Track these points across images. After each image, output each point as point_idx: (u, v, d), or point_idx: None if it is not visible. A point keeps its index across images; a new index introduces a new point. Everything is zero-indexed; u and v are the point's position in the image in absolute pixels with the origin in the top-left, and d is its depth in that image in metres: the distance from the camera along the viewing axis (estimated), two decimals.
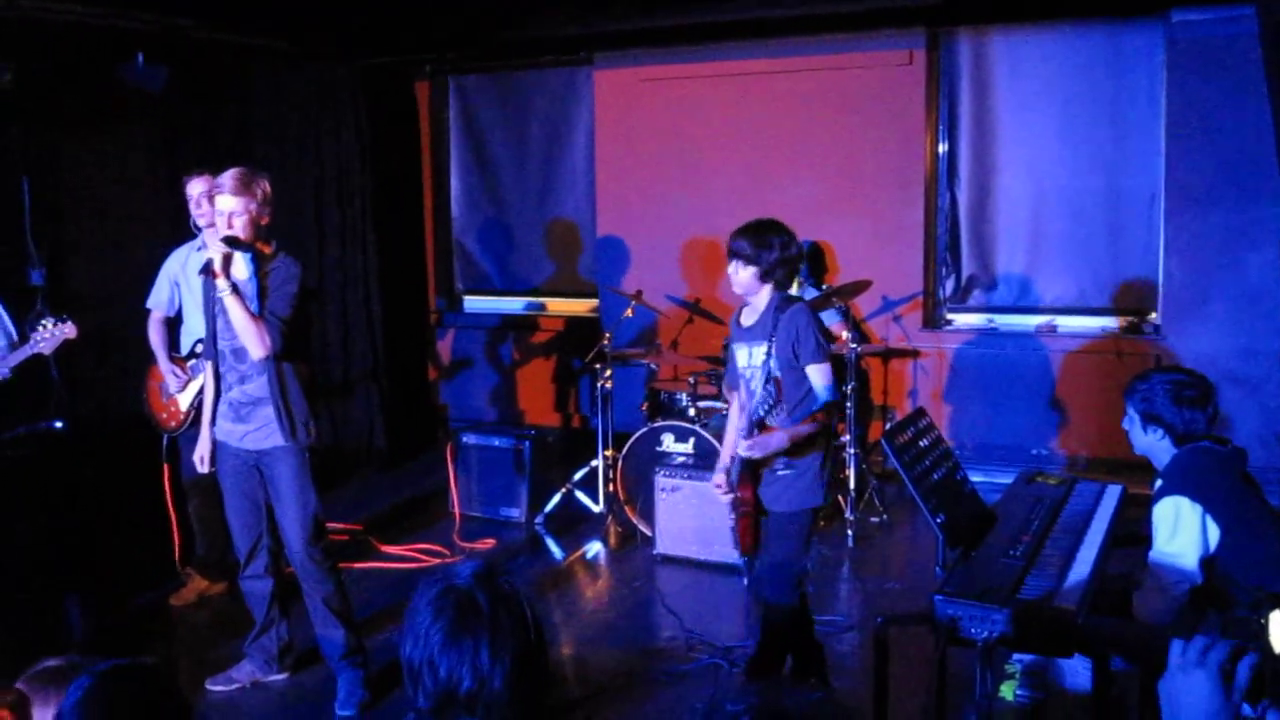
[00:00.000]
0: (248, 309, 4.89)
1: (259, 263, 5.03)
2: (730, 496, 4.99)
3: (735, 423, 5.13)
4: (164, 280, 6.39)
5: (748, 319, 5.06)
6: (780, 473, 4.87)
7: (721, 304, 8.53)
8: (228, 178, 4.95)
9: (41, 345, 5.87)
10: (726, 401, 7.43)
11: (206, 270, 4.93)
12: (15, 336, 6.19)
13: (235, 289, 4.87)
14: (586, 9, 8.38)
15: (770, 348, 4.86)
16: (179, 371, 6.32)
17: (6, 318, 6.26)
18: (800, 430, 4.78)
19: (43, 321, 5.93)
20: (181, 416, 6.34)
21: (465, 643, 2.23)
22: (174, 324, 6.45)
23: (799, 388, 4.87)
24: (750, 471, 4.89)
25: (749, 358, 5.00)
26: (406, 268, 10.30)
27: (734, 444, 5.02)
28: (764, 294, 4.97)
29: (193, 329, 6.33)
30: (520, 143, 10.49)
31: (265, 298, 4.98)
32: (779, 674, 5.16)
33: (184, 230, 6.41)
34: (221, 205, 4.95)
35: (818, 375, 4.85)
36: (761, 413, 4.72)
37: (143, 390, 6.53)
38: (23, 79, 6.93)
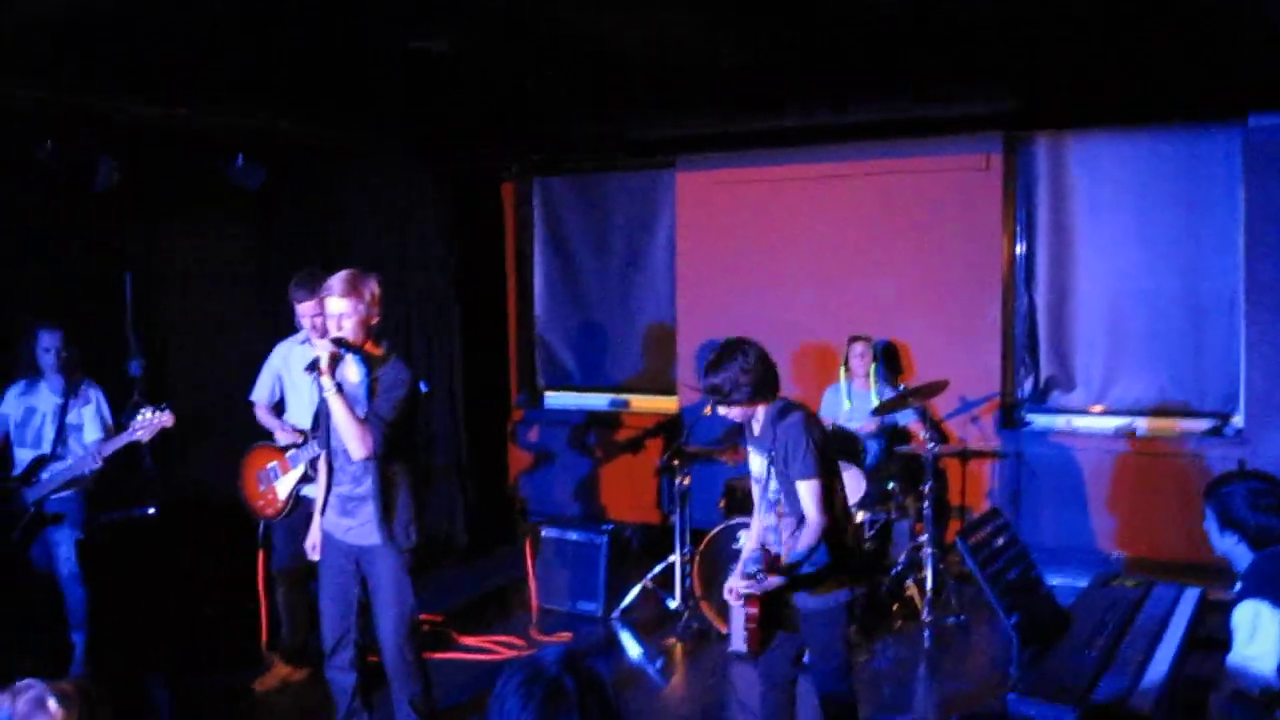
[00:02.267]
0: (351, 410, 5.00)
1: (370, 365, 5.15)
2: (739, 603, 4.91)
3: (756, 528, 5.16)
4: (267, 374, 6.63)
5: (755, 425, 4.98)
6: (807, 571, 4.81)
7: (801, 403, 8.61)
8: (337, 281, 5.08)
9: (139, 433, 6.13)
10: None
11: (313, 367, 5.04)
12: (111, 423, 6.45)
13: (340, 389, 4.99)
14: (668, 113, 8.59)
15: (772, 461, 4.83)
16: (296, 433, 6.47)
17: (105, 407, 6.52)
18: (799, 568, 4.72)
19: (142, 410, 6.18)
20: (279, 505, 6.47)
21: None
22: (276, 412, 6.68)
23: (799, 500, 4.79)
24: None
25: (758, 465, 4.99)
26: (489, 363, 10.52)
27: (752, 549, 5.01)
28: (759, 410, 4.90)
29: (294, 420, 6.55)
30: (603, 242, 10.70)
31: (372, 397, 5.10)
32: None
33: (280, 324, 6.63)
34: (332, 308, 5.07)
35: (806, 492, 4.73)
36: (750, 571, 4.64)
37: (238, 478, 6.69)
38: (129, 176, 7.24)
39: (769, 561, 4.75)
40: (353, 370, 5.13)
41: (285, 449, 6.46)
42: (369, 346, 5.18)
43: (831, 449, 5.02)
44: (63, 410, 6.44)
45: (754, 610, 4.82)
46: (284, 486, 6.46)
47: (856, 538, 5.11)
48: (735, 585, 4.77)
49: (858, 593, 5.04)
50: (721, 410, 4.91)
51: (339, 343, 5.05)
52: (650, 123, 8.93)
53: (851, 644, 5.11)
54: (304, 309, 6.34)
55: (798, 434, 4.77)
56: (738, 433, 8.89)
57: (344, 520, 5.28)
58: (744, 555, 5.24)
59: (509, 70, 7.01)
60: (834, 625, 4.92)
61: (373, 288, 5.16)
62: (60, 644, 6.45)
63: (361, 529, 5.23)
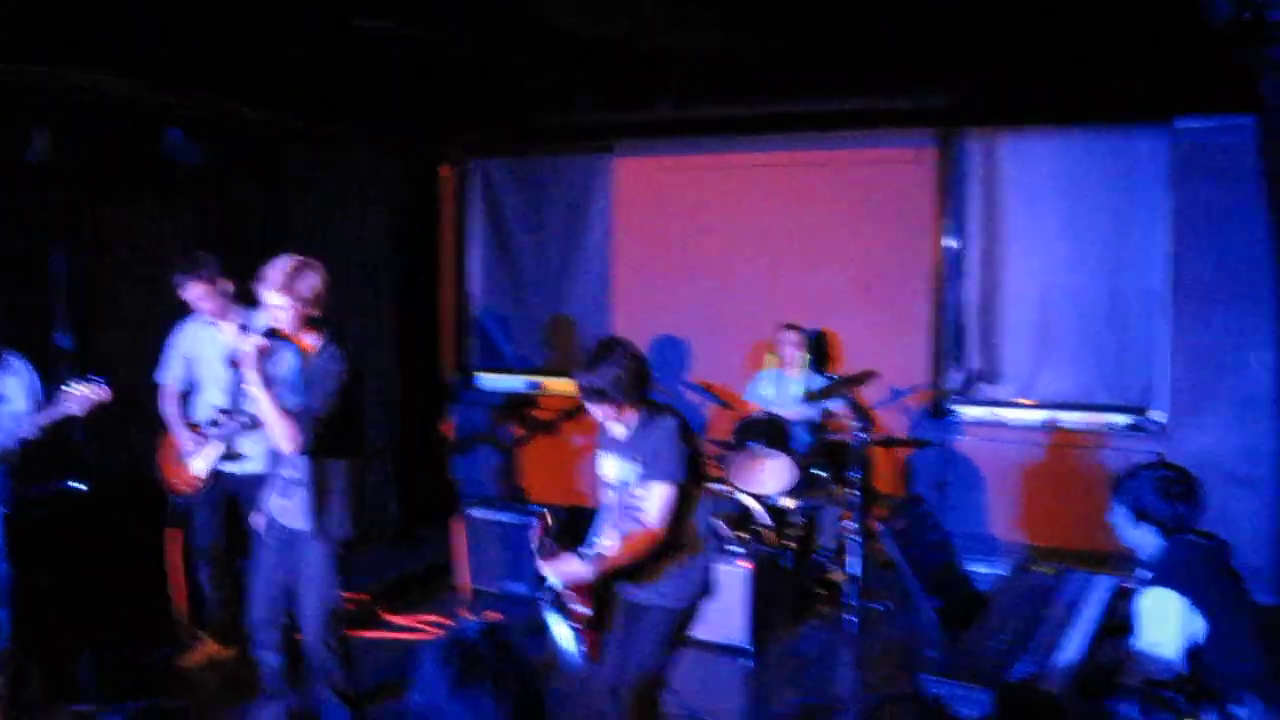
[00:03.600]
0: (276, 405, 4.93)
1: (303, 356, 5.13)
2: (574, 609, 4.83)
3: (601, 534, 4.97)
4: (174, 357, 6.56)
5: (618, 430, 4.78)
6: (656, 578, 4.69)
7: (733, 390, 8.73)
8: (276, 272, 4.98)
9: (70, 405, 5.97)
10: (733, 486, 7.60)
11: (234, 364, 4.98)
12: (42, 397, 6.29)
13: (268, 382, 4.93)
14: (608, 99, 8.63)
15: (637, 466, 4.65)
16: (198, 438, 6.45)
17: (33, 376, 6.38)
18: (614, 561, 4.60)
19: (73, 382, 6.03)
20: (197, 483, 6.46)
21: (470, 690, 2.37)
22: (186, 395, 6.62)
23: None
24: (593, 586, 4.74)
25: (619, 471, 4.76)
26: (423, 343, 10.51)
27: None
28: (627, 413, 4.70)
29: (209, 400, 6.50)
30: (540, 225, 10.72)
31: (307, 391, 5.04)
32: None
33: None
34: (268, 299, 4.99)
35: (656, 495, 4.54)
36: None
37: (157, 453, 6.65)
38: (60, 148, 7.15)
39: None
40: (285, 360, 5.10)
41: (202, 424, 6.43)
42: (304, 340, 5.12)
43: (703, 461, 4.89)
44: None
45: (587, 611, 4.77)
46: (201, 463, 6.42)
47: (706, 571, 4.84)
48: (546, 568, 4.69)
49: (687, 609, 4.82)
50: (593, 409, 4.69)
51: (272, 334, 4.99)
52: (589, 107, 8.97)
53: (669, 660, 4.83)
54: (191, 293, 6.25)
55: (670, 437, 4.60)
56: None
57: (281, 500, 5.28)
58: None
59: (449, 51, 7.03)
60: (658, 630, 4.76)
61: (314, 283, 5.05)
62: None
63: (294, 512, 5.22)
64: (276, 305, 4.98)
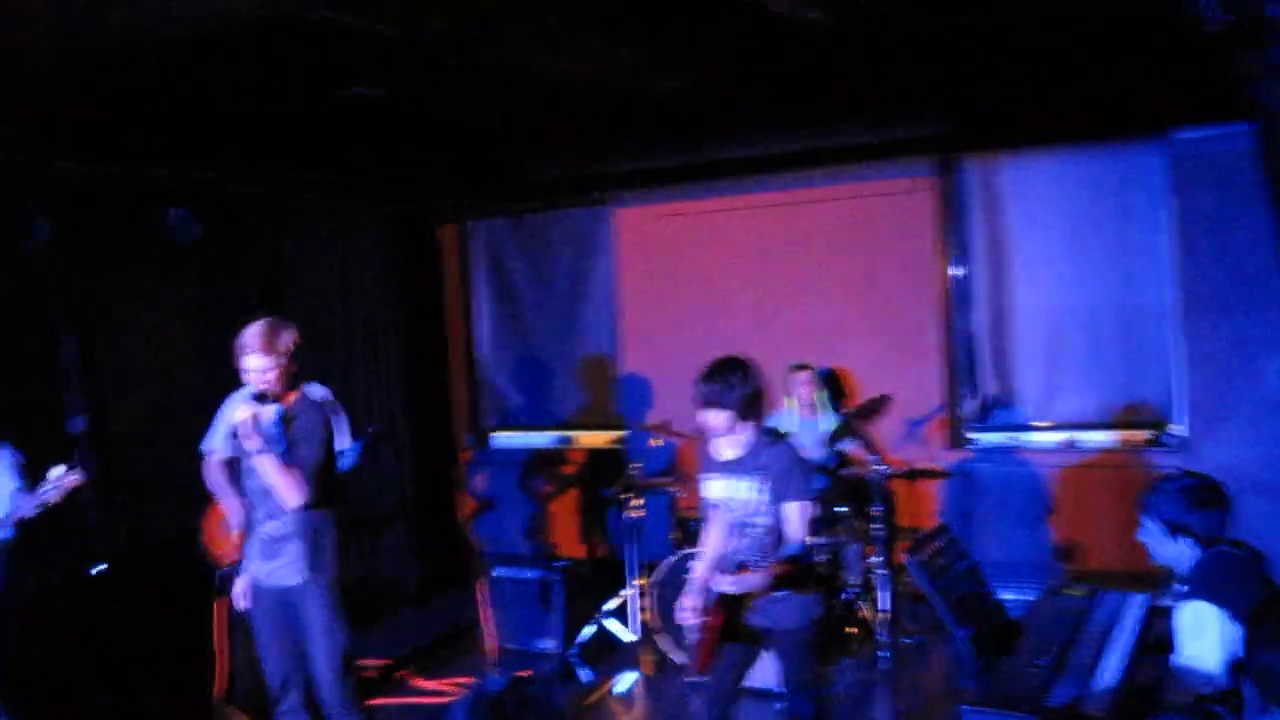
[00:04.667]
0: (278, 464, 5.04)
1: (286, 410, 5.21)
2: (697, 621, 5.01)
3: (710, 549, 5.21)
4: (221, 424, 6.54)
5: (726, 452, 5.09)
6: (778, 595, 4.89)
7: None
8: (252, 337, 5.13)
9: (49, 494, 5.89)
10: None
11: (236, 435, 5.09)
12: (22, 484, 6.18)
13: (268, 450, 5.02)
14: (603, 150, 8.65)
15: (760, 482, 4.91)
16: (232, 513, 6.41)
17: (13, 471, 6.24)
18: (777, 570, 4.76)
19: (51, 469, 5.96)
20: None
21: None
22: (234, 464, 6.58)
23: (778, 520, 4.92)
24: (724, 601, 4.90)
25: (728, 490, 5.04)
26: (435, 406, 10.49)
27: (709, 570, 5.09)
28: (742, 430, 5.01)
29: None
30: (544, 281, 10.73)
31: (294, 445, 5.13)
32: None
33: (224, 371, 6.57)
34: (250, 364, 5.12)
35: (796, 514, 4.87)
36: (746, 558, 4.75)
37: (199, 526, 6.62)
38: (60, 232, 7.17)
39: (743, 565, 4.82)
40: (266, 415, 5.14)
41: None
42: (286, 396, 5.24)
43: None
44: None
45: (718, 622, 4.91)
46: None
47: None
48: (719, 583, 4.81)
49: (823, 609, 5.15)
50: (708, 416, 4.98)
51: (261, 396, 5.09)
52: (586, 160, 9.00)
53: (819, 661, 5.19)
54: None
55: (794, 458, 4.98)
56: (681, 465, 8.95)
57: (267, 564, 5.28)
58: (695, 582, 5.27)
59: (442, 112, 7.05)
60: (805, 647, 5.04)
61: (287, 339, 5.21)
62: None
63: (286, 569, 5.23)
64: (262, 367, 5.11)
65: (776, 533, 4.90)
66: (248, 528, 5.37)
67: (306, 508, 5.14)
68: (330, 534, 5.26)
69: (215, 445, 6.55)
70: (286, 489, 5.03)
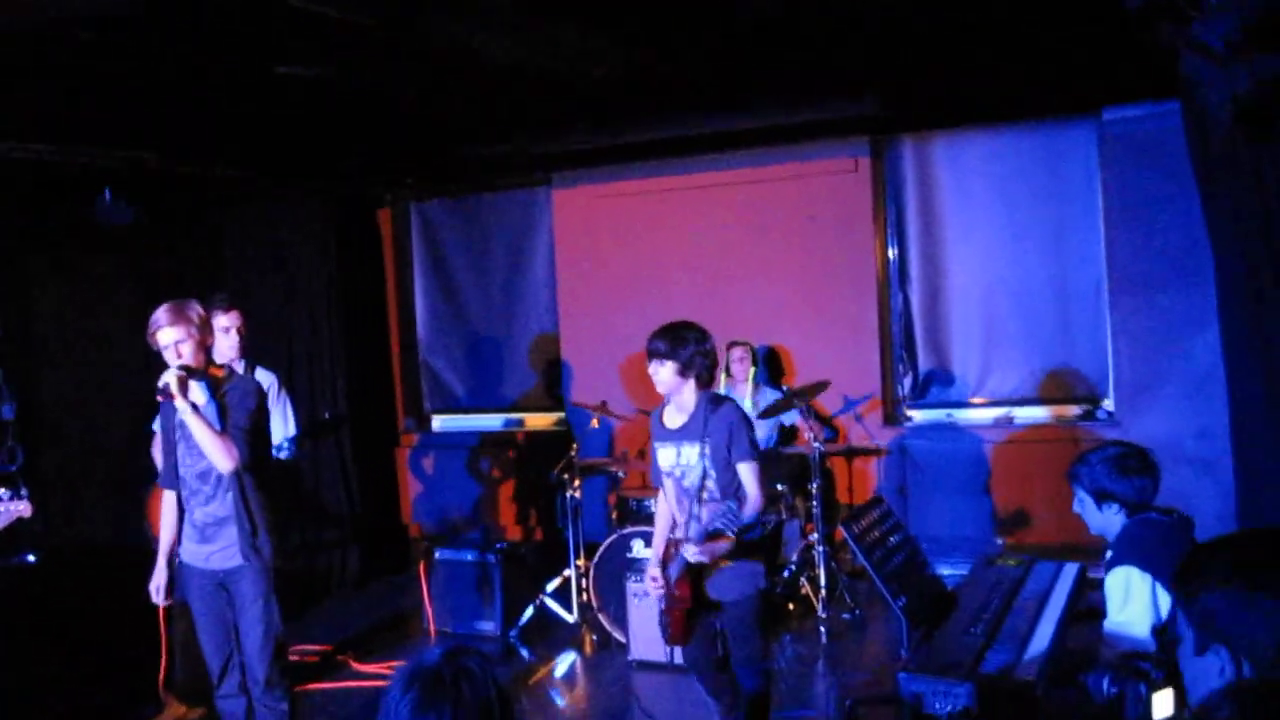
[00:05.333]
0: (210, 425, 4.99)
1: (213, 386, 5.16)
2: (663, 591, 5.12)
3: (664, 518, 5.34)
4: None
5: (674, 419, 5.18)
6: (725, 565, 4.99)
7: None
8: (162, 312, 5.09)
9: None
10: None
11: (164, 394, 4.98)
12: None
13: (195, 409, 4.96)
14: (542, 131, 8.62)
15: (704, 447, 4.99)
16: None
17: None
18: (735, 538, 4.87)
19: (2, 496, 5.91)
20: None
21: (429, 715, 2.34)
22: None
23: (730, 483, 5.02)
24: (690, 571, 4.99)
25: (678, 457, 5.13)
26: (375, 389, 10.45)
27: (664, 540, 5.26)
28: (688, 392, 5.10)
29: (163, 458, 6.40)
30: (483, 263, 10.70)
31: (226, 415, 5.10)
32: None
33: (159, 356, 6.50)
34: (164, 339, 5.07)
35: (749, 473, 4.98)
36: (719, 525, 4.78)
37: (145, 512, 6.54)
38: None
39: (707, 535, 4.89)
40: (197, 393, 5.10)
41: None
42: (211, 370, 5.23)
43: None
44: None
45: (685, 592, 4.99)
46: None
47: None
48: (687, 553, 4.87)
49: (768, 581, 5.26)
50: (655, 369, 5.06)
51: (185, 370, 5.03)
52: (524, 141, 8.96)
53: (766, 633, 5.28)
54: (222, 320, 6.21)
55: (739, 420, 5.03)
56: (621, 445, 8.97)
57: (204, 547, 5.24)
58: (655, 551, 5.32)
59: (377, 92, 7.00)
60: (753, 617, 5.09)
61: (198, 310, 5.16)
62: None
63: (223, 552, 5.20)
64: (177, 340, 5.06)
65: (733, 496, 4.97)
66: (180, 516, 5.31)
67: (237, 484, 5.10)
68: (266, 518, 5.22)
69: (157, 425, 6.48)
70: (217, 450, 4.96)
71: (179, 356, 5.05)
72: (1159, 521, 4.08)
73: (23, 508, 5.72)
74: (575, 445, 7.89)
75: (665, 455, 5.19)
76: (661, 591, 5.12)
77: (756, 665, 5.13)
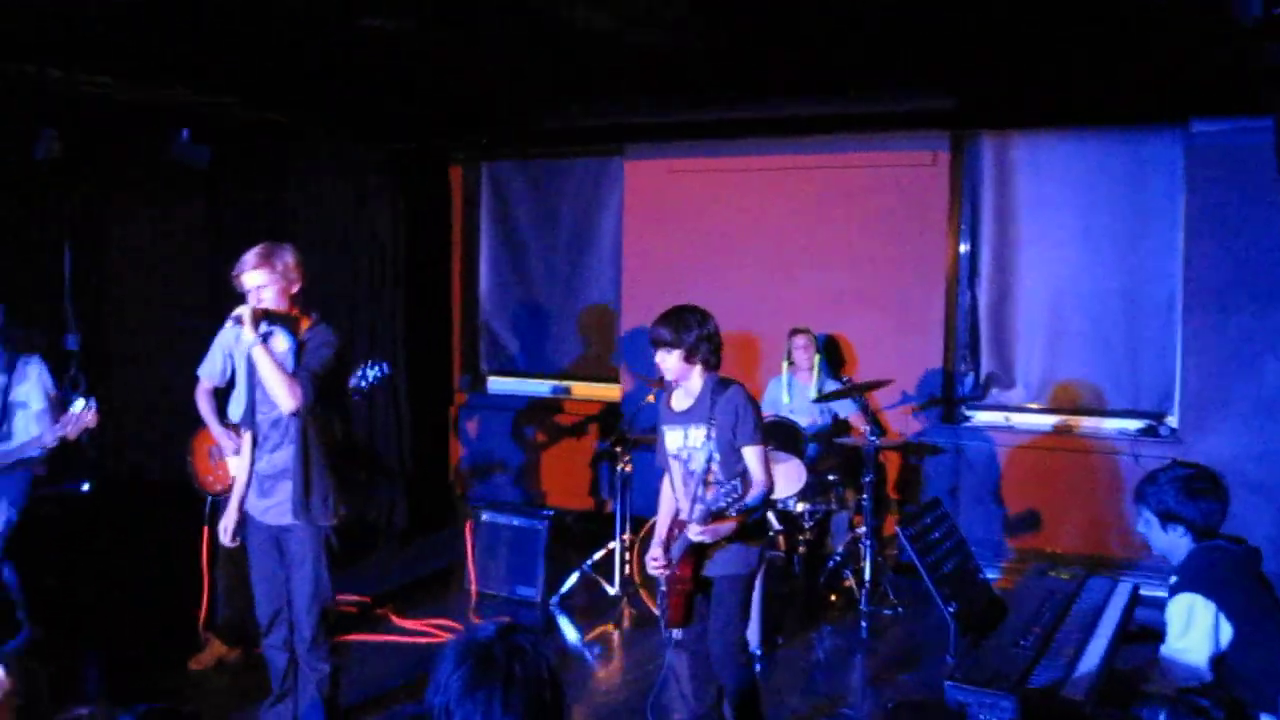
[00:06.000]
0: (278, 363, 4.97)
1: (295, 333, 5.15)
2: (666, 573, 5.10)
3: (668, 501, 5.31)
4: (217, 350, 6.45)
5: (680, 402, 5.15)
6: (724, 545, 4.97)
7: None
8: (250, 255, 5.10)
9: (67, 429, 5.96)
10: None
11: (236, 320, 4.98)
12: (55, 390, 6.26)
13: (265, 340, 4.96)
14: (617, 102, 8.57)
15: (710, 430, 4.96)
16: (234, 437, 6.37)
17: (48, 380, 6.35)
18: (741, 520, 4.89)
19: (73, 405, 6.02)
20: (230, 480, 6.37)
21: (480, 693, 2.33)
22: (222, 394, 6.52)
23: (736, 466, 4.97)
24: (692, 551, 4.98)
25: (684, 439, 5.10)
26: (433, 347, 10.47)
27: (669, 521, 5.23)
28: (695, 376, 5.07)
29: (243, 397, 6.43)
30: (550, 229, 10.67)
31: (300, 360, 5.09)
32: None
33: (225, 299, 6.51)
34: (249, 281, 5.08)
35: (754, 457, 4.97)
36: (723, 505, 4.74)
37: (187, 453, 6.61)
38: (73, 149, 7.12)
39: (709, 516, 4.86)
40: (280, 340, 5.11)
41: (239, 425, 6.36)
42: (298, 315, 5.19)
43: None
44: (5, 389, 6.31)
45: (686, 573, 4.99)
46: (234, 463, 6.35)
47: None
48: (690, 533, 4.87)
49: (762, 564, 5.23)
50: (660, 357, 5.03)
51: (264, 314, 5.03)
52: (600, 110, 8.91)
53: (745, 619, 5.19)
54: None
55: (745, 403, 4.98)
56: None
57: (262, 501, 5.27)
58: (659, 532, 5.30)
59: (460, 52, 6.97)
60: (738, 597, 5.04)
61: (287, 258, 5.14)
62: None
63: (278, 508, 5.21)
64: (260, 284, 5.07)
65: (738, 479, 4.91)
66: (251, 461, 5.31)
67: (300, 439, 5.09)
68: (324, 475, 5.18)
69: (210, 372, 6.51)
70: (281, 387, 4.94)
71: (259, 301, 5.06)
72: (1228, 550, 4.01)
73: (90, 418, 5.88)
74: (628, 418, 7.89)
75: (672, 438, 5.17)
76: (664, 572, 5.12)
77: (732, 653, 5.04)
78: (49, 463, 6.48)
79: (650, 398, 7.85)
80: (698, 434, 5.02)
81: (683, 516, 5.14)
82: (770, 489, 5.02)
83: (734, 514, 4.80)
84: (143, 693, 6.16)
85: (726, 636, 5.04)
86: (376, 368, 5.59)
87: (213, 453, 6.50)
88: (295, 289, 5.17)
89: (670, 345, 4.99)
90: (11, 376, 6.19)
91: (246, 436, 5.39)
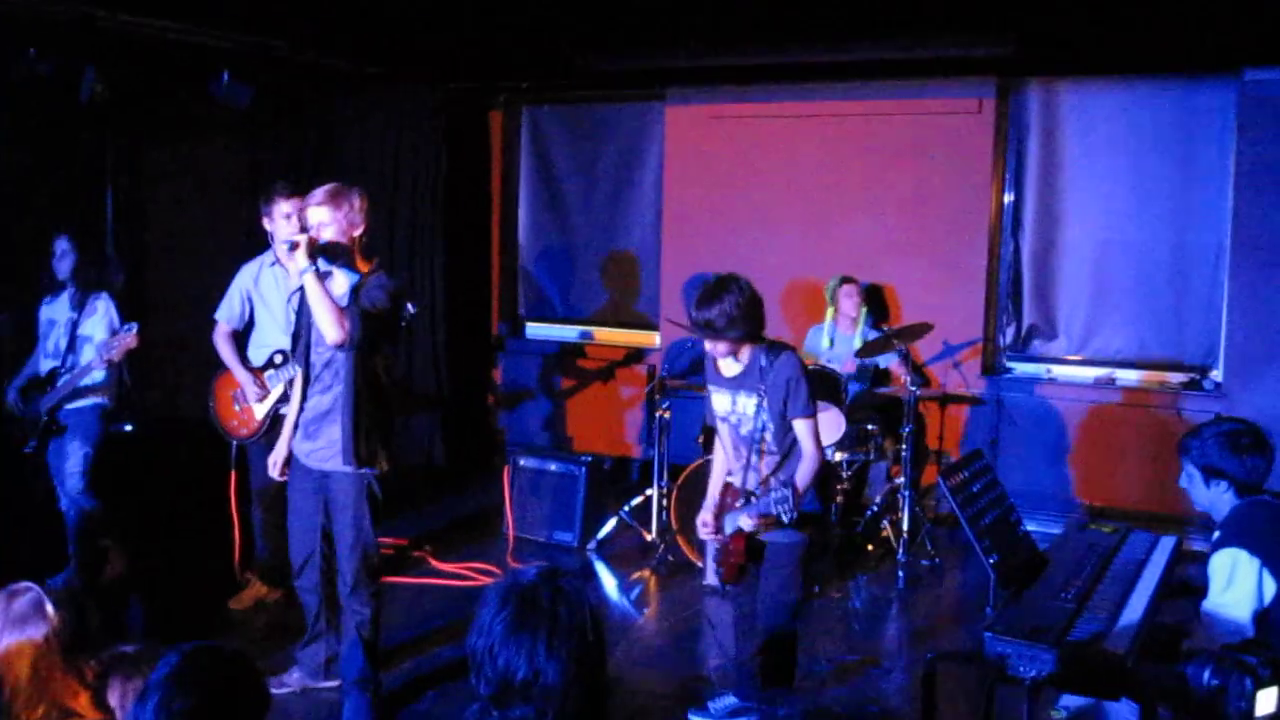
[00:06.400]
0: (327, 292, 4.89)
1: (355, 271, 5.08)
2: (717, 538, 5.11)
3: (721, 463, 5.29)
4: (235, 293, 6.47)
5: (729, 368, 5.07)
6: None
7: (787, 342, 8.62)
8: (320, 191, 5.04)
9: (113, 350, 6.13)
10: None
11: (291, 246, 4.88)
12: (119, 325, 6.42)
13: (316, 271, 4.86)
14: (657, 46, 8.49)
15: (761, 400, 4.90)
16: (258, 381, 6.41)
17: (114, 314, 6.51)
18: (803, 490, 4.84)
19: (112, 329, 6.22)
20: (255, 425, 6.39)
21: (524, 635, 2.33)
22: (240, 337, 6.54)
23: (787, 436, 4.94)
24: (743, 532, 4.97)
25: (733, 405, 5.05)
26: (472, 291, 10.48)
27: (720, 484, 5.23)
28: (744, 349, 5.00)
29: (265, 341, 6.45)
30: (590, 174, 10.61)
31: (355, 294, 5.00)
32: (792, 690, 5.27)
33: (261, 244, 6.52)
34: (312, 216, 5.01)
35: (805, 430, 4.90)
36: (775, 512, 4.67)
37: (210, 399, 6.60)
38: (115, 89, 7.12)
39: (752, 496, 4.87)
40: (340, 280, 5.04)
41: (264, 368, 6.39)
42: (358, 261, 5.11)
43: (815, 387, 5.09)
44: (74, 322, 6.45)
45: (740, 545, 4.99)
46: (262, 407, 6.39)
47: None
48: (742, 523, 4.87)
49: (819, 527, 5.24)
50: (709, 345, 4.97)
51: (321, 249, 4.95)
52: (640, 54, 8.82)
53: (806, 583, 5.22)
54: (284, 207, 6.11)
55: (796, 374, 4.90)
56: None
57: (306, 444, 5.22)
58: (710, 494, 5.28)
59: None
60: (797, 559, 5.02)
61: (354, 201, 5.08)
62: (58, 551, 6.50)
63: (323, 452, 5.15)
64: (321, 221, 5.00)
65: (789, 449, 4.91)
66: (301, 402, 5.27)
67: (354, 381, 5.03)
68: (372, 422, 5.10)
69: (229, 315, 6.48)
70: (328, 317, 4.84)
71: (319, 237, 5.00)
72: (1272, 505, 3.97)
73: (131, 339, 6.13)
74: (669, 364, 7.88)
75: (720, 401, 5.12)
76: (714, 539, 5.12)
77: (785, 616, 5.06)
78: (117, 399, 6.65)
79: (693, 333, 7.85)
80: (748, 402, 4.97)
81: (733, 478, 5.13)
82: (821, 462, 4.94)
83: (786, 520, 4.70)
84: (184, 632, 6.28)
85: (780, 599, 5.05)
86: (404, 308, 5.54)
87: (237, 397, 6.48)
88: (357, 232, 5.09)
89: (715, 338, 4.91)
90: (81, 312, 6.49)
91: (298, 374, 5.36)
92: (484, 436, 10.58)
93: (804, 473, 4.88)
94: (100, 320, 6.46)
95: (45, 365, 6.57)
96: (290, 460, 5.40)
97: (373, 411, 5.12)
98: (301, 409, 5.27)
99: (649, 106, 10.16)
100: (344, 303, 4.97)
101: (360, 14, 7.34)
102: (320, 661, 5.58)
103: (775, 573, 5.02)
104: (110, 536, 6.72)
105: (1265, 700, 3.03)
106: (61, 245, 6.56)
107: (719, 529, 5.10)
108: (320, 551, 5.37)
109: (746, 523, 4.83)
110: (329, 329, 4.88)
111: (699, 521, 5.20)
